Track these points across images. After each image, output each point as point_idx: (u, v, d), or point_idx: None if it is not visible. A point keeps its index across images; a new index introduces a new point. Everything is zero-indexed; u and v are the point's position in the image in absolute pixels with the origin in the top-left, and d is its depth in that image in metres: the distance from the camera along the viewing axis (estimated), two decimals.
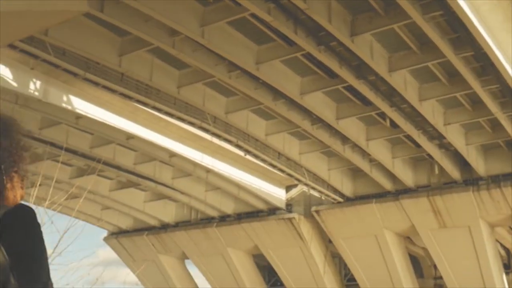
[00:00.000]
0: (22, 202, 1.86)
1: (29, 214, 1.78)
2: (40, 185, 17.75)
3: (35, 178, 18.26)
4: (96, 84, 18.98)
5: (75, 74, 18.53)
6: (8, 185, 1.81)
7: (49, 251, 14.88)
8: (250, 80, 19.46)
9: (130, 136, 23.22)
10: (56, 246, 14.60)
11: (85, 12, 14.29)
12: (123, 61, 18.08)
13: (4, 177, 1.81)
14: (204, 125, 22.12)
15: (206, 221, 32.33)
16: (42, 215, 15.04)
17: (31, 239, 1.74)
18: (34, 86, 19.55)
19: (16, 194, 1.84)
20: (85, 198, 30.22)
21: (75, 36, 16.71)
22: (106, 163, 25.93)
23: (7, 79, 18.83)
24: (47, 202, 15.91)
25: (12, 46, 16.31)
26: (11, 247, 1.67)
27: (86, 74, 18.35)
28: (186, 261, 35.63)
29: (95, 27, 17.08)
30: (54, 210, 16.40)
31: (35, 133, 22.39)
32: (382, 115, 22.23)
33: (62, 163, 25.73)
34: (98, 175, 28.21)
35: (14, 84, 19.08)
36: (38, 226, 1.78)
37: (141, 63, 18.66)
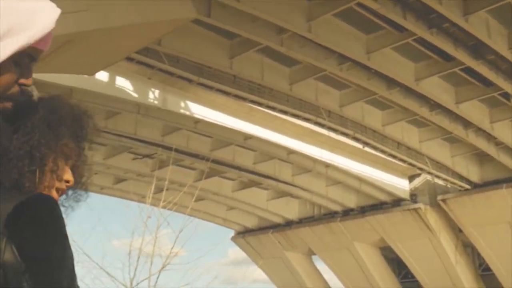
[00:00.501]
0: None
1: (46, 205, 1.46)
2: (167, 189, 18.53)
3: (161, 183, 19.12)
4: (210, 88, 19.47)
5: (189, 80, 19.12)
6: (37, 173, 1.53)
7: (163, 251, 15.36)
8: (362, 70, 19.14)
9: (247, 137, 23.59)
10: (173, 246, 15.15)
11: (194, 19, 14.68)
12: (234, 63, 18.41)
13: (36, 163, 1.54)
14: (319, 120, 22.03)
15: (329, 216, 32.20)
16: (165, 217, 15.70)
17: (48, 237, 1.42)
18: (153, 95, 20.38)
19: (49, 184, 1.55)
20: (209, 200, 31.24)
21: (187, 43, 17.23)
22: (227, 165, 26.57)
23: (128, 90, 19.77)
24: (170, 204, 16.56)
25: (129, 59, 17.10)
26: (22, 247, 1.40)
27: (200, 79, 18.88)
28: (314, 256, 35.69)
29: (204, 33, 17.51)
30: (177, 211, 17.04)
31: (158, 140, 23.34)
32: (506, 95, 21.07)
33: (186, 167, 26.70)
34: (220, 176, 28.99)
35: (135, 94, 19.99)
36: (57, 220, 1.45)
37: (251, 64, 18.90)
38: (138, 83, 19.70)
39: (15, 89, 1.47)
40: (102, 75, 18.48)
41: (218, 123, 22.13)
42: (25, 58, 1.46)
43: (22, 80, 1.48)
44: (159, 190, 18.00)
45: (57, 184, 1.57)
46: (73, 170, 1.64)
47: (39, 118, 1.55)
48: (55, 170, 1.57)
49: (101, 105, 20.71)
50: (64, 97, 1.69)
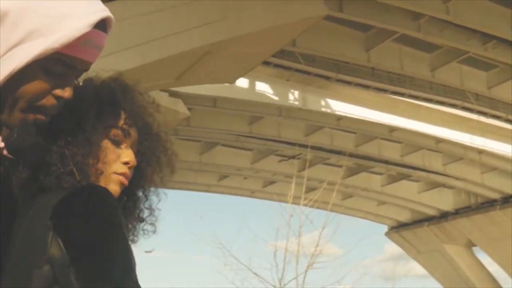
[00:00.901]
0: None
1: (91, 194, 1.38)
2: (315, 188, 18.61)
3: (309, 183, 19.25)
4: (349, 83, 19.29)
5: (327, 78, 19.07)
6: (75, 171, 1.43)
7: (307, 249, 15.28)
8: (509, 48, 18.02)
9: (392, 129, 23.08)
10: (317, 244, 15.08)
11: (325, 15, 14.63)
12: (371, 56, 18.10)
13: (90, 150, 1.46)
14: (467, 104, 21.06)
15: (487, 204, 30.58)
16: (308, 215, 15.70)
17: (93, 226, 1.33)
18: (293, 96, 20.55)
19: (96, 177, 1.47)
20: (358, 196, 30.91)
21: (321, 41, 17.21)
22: (373, 159, 26.17)
23: (268, 94, 20.11)
24: (330, 204, 16.58)
25: (266, 63, 17.40)
26: (68, 239, 1.33)
27: (337, 75, 18.77)
28: (474, 248, 34.09)
29: (337, 28, 17.39)
30: (324, 209, 17.03)
31: (302, 140, 23.50)
32: None
33: (332, 165, 26.64)
34: (368, 172, 28.60)
35: (275, 98, 20.28)
36: (104, 209, 1.36)
37: (389, 54, 18.48)
38: (277, 86, 19.96)
39: (49, 100, 1.34)
40: (242, 82, 18.93)
41: (361, 118, 21.85)
42: (58, 66, 1.32)
43: (57, 91, 1.34)
44: (307, 190, 18.11)
45: (113, 169, 1.49)
46: (139, 150, 1.55)
47: (61, 117, 1.43)
48: (95, 160, 1.47)
49: (244, 111, 21.26)
50: (88, 82, 1.54)
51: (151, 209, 1.64)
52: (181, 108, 18.21)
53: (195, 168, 26.25)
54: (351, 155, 25.27)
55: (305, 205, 15.96)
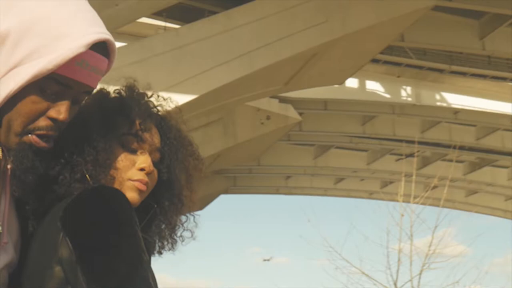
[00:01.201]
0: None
1: (101, 195, 1.41)
2: (435, 186, 17.99)
3: (430, 181, 18.64)
4: (464, 74, 18.52)
5: (441, 71, 18.42)
6: (87, 178, 1.46)
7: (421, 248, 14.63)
8: None
9: None
10: (430, 244, 14.44)
11: (433, 6, 14.13)
12: (486, 43, 17.25)
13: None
14: None
15: None
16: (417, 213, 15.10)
17: (101, 225, 1.36)
18: (406, 93, 20.02)
19: (107, 181, 1.48)
20: (484, 192, 29.53)
21: (431, 33, 16.64)
22: (497, 152, 24.93)
23: (380, 92, 19.72)
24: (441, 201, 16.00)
25: (375, 61, 17.07)
26: (75, 238, 1.35)
27: (451, 67, 18.08)
28: None
29: (447, 18, 16.74)
30: (455, 208, 16.39)
31: (418, 137, 22.82)
32: None
33: (452, 161, 25.67)
34: (492, 165, 27.27)
35: (387, 95, 19.85)
36: (113, 208, 1.39)
37: (505, 40, 17.52)
38: (388, 83, 19.54)
39: (44, 121, 1.34)
40: (352, 82, 18.69)
41: (480, 109, 20.90)
42: (53, 85, 1.32)
43: (51, 112, 1.34)
44: (426, 188, 17.56)
45: (127, 176, 1.50)
46: (160, 155, 1.56)
47: (66, 132, 1.43)
48: (106, 166, 1.48)
49: (356, 112, 20.99)
50: (96, 93, 1.52)
51: (185, 216, 1.63)
52: (292, 113, 18.27)
53: (310, 172, 26.22)
54: (472, 149, 24.23)
55: (423, 203, 15.43)
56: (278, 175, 27.01)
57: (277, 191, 29.07)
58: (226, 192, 26.09)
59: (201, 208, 25.45)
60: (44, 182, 1.46)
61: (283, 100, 17.69)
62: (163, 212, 1.60)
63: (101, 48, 1.36)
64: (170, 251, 1.65)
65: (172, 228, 1.62)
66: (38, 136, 1.35)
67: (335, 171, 26.55)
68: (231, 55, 11.87)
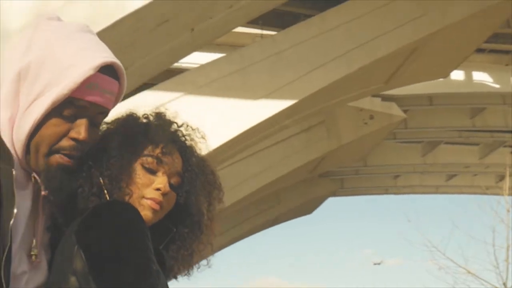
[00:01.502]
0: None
1: (113, 207, 1.51)
2: None
3: None
4: None
5: None
6: (105, 194, 1.58)
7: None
8: None
9: None
10: None
11: None
12: None
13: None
14: None
15: None
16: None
17: (110, 236, 1.45)
18: None
19: (130, 192, 1.59)
20: None
21: None
22: None
23: (487, 83, 18.92)
24: None
25: (479, 50, 16.39)
26: (87, 249, 1.46)
27: None
28: None
29: None
30: None
31: None
32: None
33: None
34: None
35: (496, 85, 19.01)
36: (122, 220, 1.48)
37: None
38: (496, 72, 18.70)
39: (67, 142, 1.50)
40: (457, 74, 18.06)
41: None
42: (70, 109, 1.49)
43: (72, 133, 1.50)
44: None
45: (142, 194, 1.58)
46: (180, 180, 1.64)
47: (90, 148, 1.57)
48: (122, 182, 1.57)
49: (463, 105, 20.26)
50: (124, 115, 1.66)
51: (203, 243, 1.70)
52: (396, 111, 17.88)
53: (420, 170, 25.52)
54: None
55: None
56: (386, 175, 26.50)
57: (386, 191, 28.51)
58: (334, 194, 25.90)
59: (309, 211, 25.46)
60: (69, 197, 1.57)
61: (386, 98, 17.35)
62: (181, 238, 1.68)
63: (110, 72, 1.54)
64: (186, 276, 1.72)
65: (189, 255, 1.68)
66: (63, 155, 1.51)
67: (446, 167, 25.71)
68: (327, 58, 11.80)
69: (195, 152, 1.70)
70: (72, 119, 1.50)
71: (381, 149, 22.16)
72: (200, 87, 11.97)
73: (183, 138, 1.69)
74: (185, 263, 1.68)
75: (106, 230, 1.47)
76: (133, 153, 1.61)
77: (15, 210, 1.44)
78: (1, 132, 1.49)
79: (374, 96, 16.88)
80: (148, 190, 1.59)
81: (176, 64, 13.16)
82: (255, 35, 15.78)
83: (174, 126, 1.70)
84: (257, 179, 16.35)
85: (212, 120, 10.48)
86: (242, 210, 18.95)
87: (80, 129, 1.50)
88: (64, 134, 1.50)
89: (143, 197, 1.59)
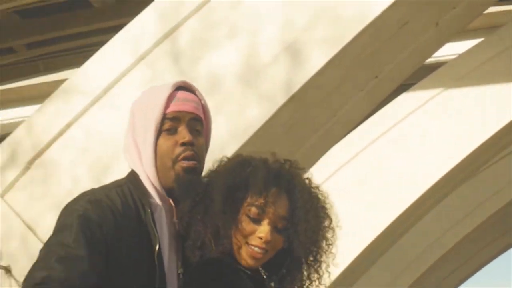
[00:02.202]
0: None
1: (209, 267, 1.68)
2: None
3: None
4: None
5: None
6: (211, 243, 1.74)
7: None
8: None
9: None
10: None
11: None
12: None
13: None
14: None
15: None
16: None
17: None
18: None
19: (233, 241, 1.73)
20: None
21: None
22: None
23: None
24: None
25: None
26: None
27: None
28: None
29: None
30: None
31: None
32: None
33: None
34: None
35: None
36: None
37: None
38: None
39: (179, 149, 1.77)
40: None
41: None
42: (168, 123, 1.79)
43: (179, 140, 1.78)
44: None
45: (245, 241, 1.69)
46: (285, 221, 1.69)
47: (196, 197, 1.74)
48: (225, 237, 1.68)
49: None
50: (242, 162, 1.76)
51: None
52: None
53: None
54: None
55: None
56: None
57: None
58: None
59: None
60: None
61: None
62: (281, 280, 1.76)
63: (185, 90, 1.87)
64: None
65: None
66: (183, 160, 1.77)
67: None
68: None
69: (305, 192, 1.74)
70: (173, 130, 1.79)
71: None
72: (460, 79, 11.48)
73: (288, 176, 1.74)
74: None
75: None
76: (240, 203, 1.71)
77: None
78: (141, 177, 1.80)
79: None
80: (252, 237, 1.69)
81: (431, 59, 12.81)
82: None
83: (284, 167, 1.76)
84: None
85: (476, 112, 9.94)
86: None
87: (183, 134, 1.78)
88: (175, 144, 1.78)
89: (246, 243, 1.69)
